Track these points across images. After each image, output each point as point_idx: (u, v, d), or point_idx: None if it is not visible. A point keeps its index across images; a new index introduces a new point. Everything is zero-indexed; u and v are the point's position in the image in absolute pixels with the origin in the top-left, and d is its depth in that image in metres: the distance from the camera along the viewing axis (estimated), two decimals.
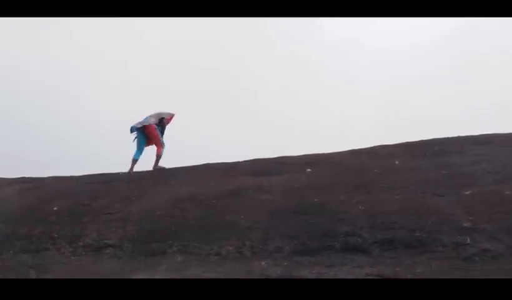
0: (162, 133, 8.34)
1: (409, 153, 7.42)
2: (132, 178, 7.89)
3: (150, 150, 8.47)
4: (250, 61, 33.57)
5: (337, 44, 34.52)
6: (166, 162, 8.49)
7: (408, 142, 8.41)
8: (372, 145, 8.06)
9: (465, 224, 3.95)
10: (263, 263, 3.96)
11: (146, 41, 31.27)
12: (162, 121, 8.33)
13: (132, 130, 8.17)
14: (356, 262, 3.71)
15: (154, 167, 8.19)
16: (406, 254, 3.73)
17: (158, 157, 8.20)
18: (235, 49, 33.68)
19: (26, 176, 8.85)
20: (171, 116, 8.52)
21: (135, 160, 8.21)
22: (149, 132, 8.18)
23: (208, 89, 28.93)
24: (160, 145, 8.18)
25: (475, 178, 5.04)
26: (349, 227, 4.22)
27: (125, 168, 8.28)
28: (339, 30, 35.91)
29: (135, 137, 8.24)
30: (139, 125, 8.11)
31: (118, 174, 8.66)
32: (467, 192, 4.60)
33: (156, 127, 8.18)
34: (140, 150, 8.23)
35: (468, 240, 3.75)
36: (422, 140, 8.36)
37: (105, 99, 29.03)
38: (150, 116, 8.32)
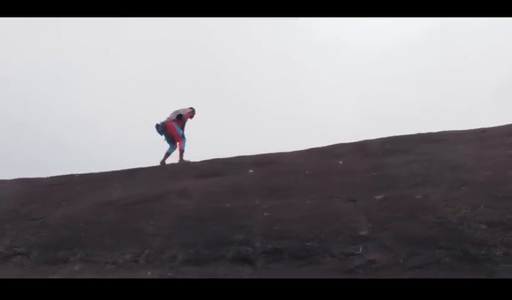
0: (183, 128, 8.77)
1: (361, 152, 7.25)
2: (81, 180, 7.83)
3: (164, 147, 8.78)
4: (237, 61, 33.38)
5: (321, 43, 34.34)
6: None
7: (366, 141, 8.24)
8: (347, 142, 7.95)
9: (362, 233, 3.73)
10: (148, 273, 3.80)
11: (132, 39, 31.16)
12: (181, 117, 8.72)
13: (157, 128, 8.62)
14: (239, 274, 3.53)
15: (179, 161, 8.53)
16: (291, 265, 3.52)
17: (181, 151, 8.60)
18: (221, 48, 33.54)
19: None
20: (188, 112, 8.90)
21: (168, 154, 8.66)
22: (167, 129, 8.59)
23: (195, 87, 28.80)
24: (179, 139, 8.59)
25: (396, 181, 4.81)
26: (245, 235, 4.02)
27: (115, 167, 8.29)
28: (324, 29, 35.71)
29: (164, 138, 8.72)
30: (159, 123, 8.59)
31: (74, 175, 8.63)
32: (379, 197, 4.37)
33: (174, 123, 8.58)
34: (171, 145, 8.68)
35: (360, 250, 3.54)
36: (381, 138, 8.18)
37: (97, 98, 29.09)
38: (171, 114, 8.76)
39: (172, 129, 8.60)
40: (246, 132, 23.78)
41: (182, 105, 9.12)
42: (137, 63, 31.03)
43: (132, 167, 8.15)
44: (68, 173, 8.44)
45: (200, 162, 8.14)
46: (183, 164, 8.34)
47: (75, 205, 5.84)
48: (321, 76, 31.96)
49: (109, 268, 4.11)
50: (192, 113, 9.04)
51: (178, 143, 8.64)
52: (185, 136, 8.78)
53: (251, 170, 6.63)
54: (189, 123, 9.07)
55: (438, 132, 7.81)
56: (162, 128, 8.61)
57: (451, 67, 28.69)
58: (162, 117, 8.83)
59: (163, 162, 8.63)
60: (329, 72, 33.86)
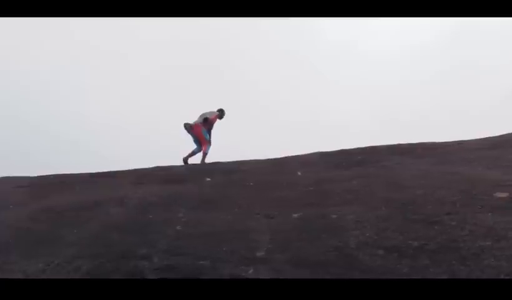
0: (210, 131, 9.25)
1: (329, 163, 7.14)
2: (49, 182, 7.96)
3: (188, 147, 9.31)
4: (247, 61, 33.35)
5: (333, 46, 33.96)
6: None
7: (342, 150, 8.17)
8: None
9: (259, 253, 3.58)
10: None
11: (143, 38, 31.53)
12: (207, 121, 9.16)
13: (185, 127, 9.14)
14: None
15: (201, 162, 9.00)
16: None
17: (204, 154, 9.10)
18: (233, 48, 33.61)
19: None
20: (215, 115, 9.36)
21: (193, 153, 9.20)
22: (195, 132, 9.12)
23: (205, 88, 28.93)
24: (204, 143, 9.10)
25: (326, 197, 4.66)
26: (148, 250, 3.93)
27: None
28: (333, 32, 35.36)
29: (194, 139, 9.25)
30: (187, 126, 9.12)
31: (49, 176, 8.78)
32: (296, 215, 4.21)
33: (202, 127, 9.08)
34: (198, 146, 9.19)
35: (250, 271, 3.39)
36: (356, 148, 8.08)
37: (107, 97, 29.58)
38: (199, 117, 9.25)
39: (200, 133, 9.10)
40: (254, 132, 23.67)
41: (205, 107, 9.86)
42: (147, 63, 31.42)
43: (110, 170, 8.28)
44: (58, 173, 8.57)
45: (179, 166, 8.22)
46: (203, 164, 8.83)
47: (19, 210, 5.88)
48: (330, 78, 31.61)
49: (15, 277, 4.08)
50: (219, 115, 9.49)
51: (203, 146, 9.10)
52: (211, 141, 9.24)
53: (208, 179, 6.59)
54: (218, 123, 9.53)
55: (407, 144, 7.58)
56: (190, 128, 9.10)
57: (461, 73, 28.03)
58: (190, 119, 9.31)
59: (186, 159, 9.10)
60: (342, 74, 33.53)
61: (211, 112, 9.36)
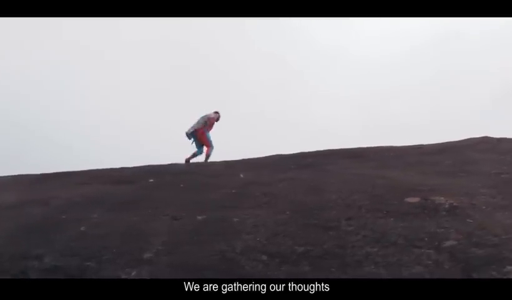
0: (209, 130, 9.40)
1: (279, 165, 7.05)
2: (4, 181, 7.91)
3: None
4: (230, 61, 33.29)
5: (319, 49, 33.92)
6: None
7: (300, 153, 8.09)
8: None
9: (147, 255, 3.47)
10: None
11: (127, 39, 31.46)
12: (207, 123, 9.36)
13: (188, 137, 9.29)
14: None
15: (204, 162, 9.10)
16: None
17: (207, 156, 9.27)
18: (214, 49, 33.62)
19: None
20: (214, 117, 9.54)
21: (194, 155, 9.33)
22: (198, 136, 9.26)
23: (186, 89, 28.95)
24: (208, 145, 9.28)
25: (240, 200, 4.56)
26: (43, 250, 3.81)
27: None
28: (323, 35, 35.38)
29: (192, 141, 9.34)
30: (191, 130, 9.25)
31: (7, 176, 8.72)
32: (200, 217, 4.10)
33: (205, 131, 9.27)
34: (199, 148, 9.34)
35: (133, 273, 3.28)
36: (313, 151, 7.98)
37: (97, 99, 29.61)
38: (198, 120, 9.36)
39: (204, 138, 9.27)
40: (237, 133, 23.58)
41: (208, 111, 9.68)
42: (132, 64, 31.37)
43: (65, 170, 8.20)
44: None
45: (131, 167, 8.12)
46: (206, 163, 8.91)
47: None
48: (318, 81, 31.60)
49: None
50: (218, 116, 9.64)
51: (207, 148, 9.28)
52: (213, 143, 9.35)
53: (151, 180, 6.49)
54: (215, 126, 9.64)
55: (357, 148, 7.45)
56: (192, 135, 9.25)
57: (450, 77, 28.16)
58: (188, 125, 9.44)
59: (188, 160, 9.25)
60: (327, 78, 33.56)
61: (210, 114, 9.50)
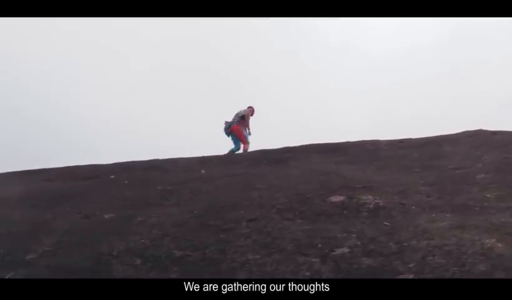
0: (246, 127, 9.32)
1: (252, 160, 6.76)
2: None
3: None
4: (244, 59, 32.95)
5: (331, 46, 32.79)
6: None
7: (283, 148, 7.73)
8: None
9: (29, 256, 3.25)
10: None
11: (141, 37, 31.83)
12: (244, 118, 9.24)
13: (226, 134, 9.23)
14: None
15: None
16: None
17: (244, 151, 9.08)
18: (233, 49, 33.31)
19: None
20: (249, 112, 9.42)
21: (232, 151, 9.11)
22: (235, 133, 9.17)
23: (203, 88, 28.91)
24: (244, 142, 9.16)
25: (169, 198, 4.31)
26: None
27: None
28: (333, 32, 34.25)
29: (230, 138, 9.29)
30: (226, 126, 9.19)
31: None
32: (107, 216, 3.86)
33: (241, 127, 9.16)
34: (236, 144, 9.23)
35: (10, 275, 3.10)
36: (292, 147, 7.60)
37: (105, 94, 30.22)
38: (233, 117, 9.30)
39: (240, 134, 9.16)
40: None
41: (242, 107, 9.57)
42: (145, 62, 31.73)
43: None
44: None
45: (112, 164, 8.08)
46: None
47: None
48: (330, 78, 30.70)
49: None
50: (252, 111, 9.50)
51: (243, 145, 9.16)
52: (249, 139, 9.27)
53: (112, 176, 6.35)
54: (251, 120, 9.51)
55: (335, 143, 6.92)
56: (228, 131, 9.17)
57: (461, 74, 26.54)
58: (224, 122, 9.33)
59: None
60: (338, 74, 32.56)
61: (245, 110, 9.42)
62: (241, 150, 9.16)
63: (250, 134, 9.31)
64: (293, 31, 35.29)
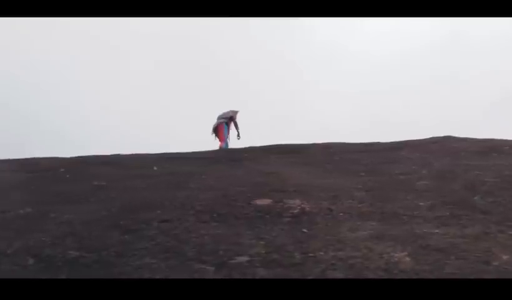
0: (236, 126, 10.04)
1: (209, 159, 6.56)
2: None
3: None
4: (233, 58, 32.71)
5: (319, 46, 32.69)
6: None
7: (248, 148, 7.60)
8: None
9: None
10: None
11: (134, 31, 31.51)
12: (232, 119, 9.94)
13: (214, 132, 9.88)
14: None
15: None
16: None
17: (220, 148, 9.43)
18: (223, 48, 33.02)
19: None
20: (236, 114, 10.08)
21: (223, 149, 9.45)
22: (218, 130, 9.83)
23: (193, 84, 28.71)
24: (222, 140, 9.73)
25: (97, 194, 4.08)
26: None
27: None
28: (323, 32, 34.19)
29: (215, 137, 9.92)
30: (215, 125, 9.85)
31: None
32: (22, 211, 3.62)
33: (224, 126, 9.80)
34: (226, 143, 9.83)
35: None
36: (264, 146, 7.43)
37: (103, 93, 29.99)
38: (221, 116, 9.97)
39: (221, 132, 9.78)
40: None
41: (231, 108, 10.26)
42: (136, 58, 31.45)
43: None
44: None
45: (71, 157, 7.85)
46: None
47: None
48: (317, 78, 30.61)
49: None
50: (236, 113, 10.11)
51: (220, 143, 9.71)
52: (228, 139, 9.86)
53: (62, 169, 6.13)
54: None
55: (310, 144, 6.75)
56: (214, 131, 9.86)
57: (450, 79, 26.73)
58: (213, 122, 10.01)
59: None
60: (326, 75, 32.49)
61: (234, 112, 10.03)
62: (219, 147, 9.52)
63: (239, 136, 9.86)
64: (281, 30, 35.04)
